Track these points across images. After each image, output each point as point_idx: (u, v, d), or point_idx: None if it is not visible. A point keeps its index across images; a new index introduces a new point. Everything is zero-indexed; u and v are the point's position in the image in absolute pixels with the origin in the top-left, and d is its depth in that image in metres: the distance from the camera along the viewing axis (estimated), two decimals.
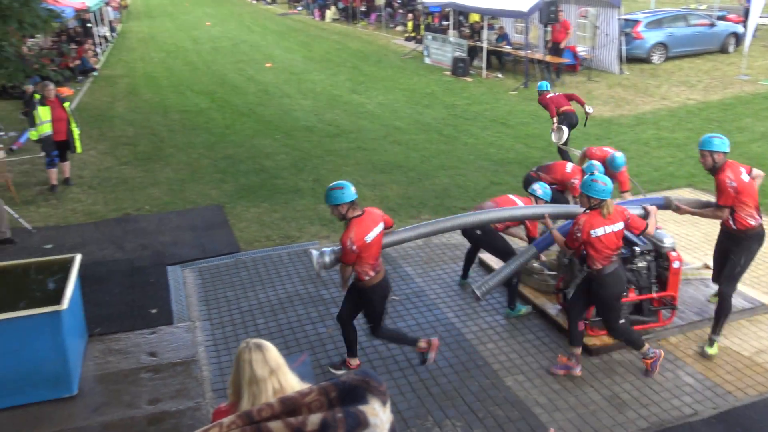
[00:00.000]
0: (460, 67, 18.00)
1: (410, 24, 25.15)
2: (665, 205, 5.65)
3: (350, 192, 4.78)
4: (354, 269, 4.94)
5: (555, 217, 5.80)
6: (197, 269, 7.28)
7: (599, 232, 4.83)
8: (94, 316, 6.00)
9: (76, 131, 9.56)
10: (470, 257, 6.76)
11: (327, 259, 4.99)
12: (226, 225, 8.38)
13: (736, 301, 6.04)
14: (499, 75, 18.04)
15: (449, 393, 5.12)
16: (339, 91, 16.61)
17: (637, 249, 5.67)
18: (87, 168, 10.64)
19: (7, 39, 6.31)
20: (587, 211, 4.91)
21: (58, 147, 9.45)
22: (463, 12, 21.39)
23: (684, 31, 18.26)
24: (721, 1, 24.33)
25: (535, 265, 6.57)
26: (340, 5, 32.22)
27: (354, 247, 4.72)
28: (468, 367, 5.43)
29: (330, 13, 32.28)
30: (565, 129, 9.76)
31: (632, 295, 5.71)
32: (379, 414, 1.96)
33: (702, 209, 5.51)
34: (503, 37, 18.90)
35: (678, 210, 5.57)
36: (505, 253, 6.09)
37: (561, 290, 6.03)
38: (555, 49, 16.80)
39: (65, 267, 5.45)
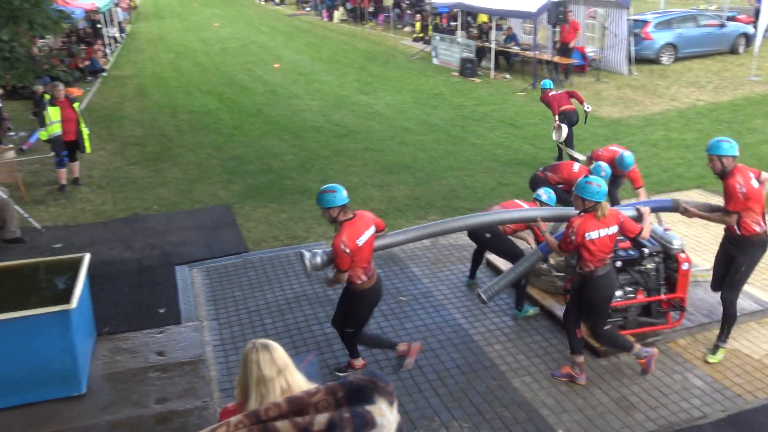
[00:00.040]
0: (468, 68, 17.97)
1: (418, 25, 25.14)
2: (673, 207, 5.59)
3: (342, 195, 4.77)
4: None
5: (549, 219, 5.72)
6: (205, 269, 7.30)
7: (593, 235, 4.78)
8: (102, 315, 6.02)
9: (85, 131, 9.61)
10: (477, 258, 6.75)
11: (319, 260, 4.97)
12: (234, 225, 8.40)
13: (746, 304, 6.02)
14: (507, 76, 18.01)
15: (456, 394, 5.11)
16: (347, 92, 16.62)
17: (646, 250, 5.64)
18: (96, 168, 10.69)
19: (18, 40, 6.35)
20: (581, 214, 4.85)
21: (68, 147, 9.50)
22: (471, 13, 21.37)
23: (694, 32, 18.16)
24: (731, 1, 24.18)
25: (543, 266, 6.55)
26: (348, 6, 32.25)
27: (347, 250, 4.70)
28: (475, 368, 5.42)
29: (338, 14, 32.32)
30: (565, 127, 9.88)
31: (641, 297, 5.69)
32: (386, 414, 1.96)
33: (710, 213, 5.42)
34: (511, 37, 18.86)
35: (686, 213, 5.50)
36: (513, 256, 6.08)
37: (569, 291, 6.00)
38: (563, 49, 16.75)
39: (74, 266, 5.48)
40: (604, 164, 7.05)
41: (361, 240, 4.80)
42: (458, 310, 6.34)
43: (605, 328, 5.10)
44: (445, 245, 7.69)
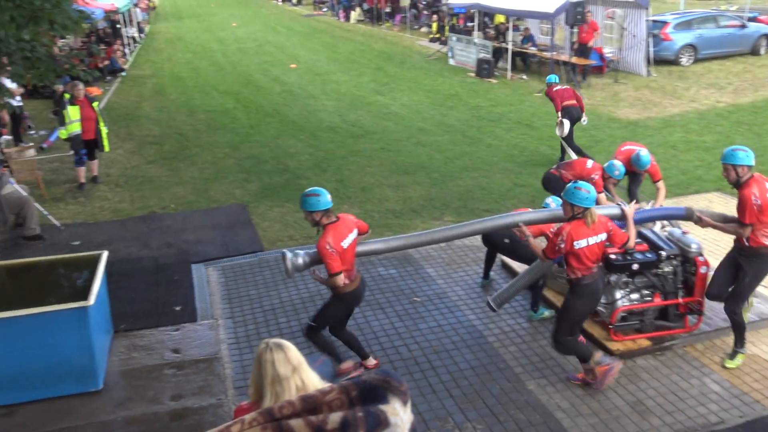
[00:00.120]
0: (484, 69, 17.91)
1: (435, 25, 25.11)
2: (686, 216, 5.48)
3: (326, 200, 4.77)
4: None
5: (536, 222, 5.61)
6: (221, 268, 7.35)
7: (582, 243, 4.69)
8: (119, 312, 6.08)
9: (104, 130, 9.72)
10: (490, 258, 6.72)
11: (300, 261, 4.97)
12: (250, 224, 8.44)
13: (765, 308, 5.94)
14: (524, 77, 17.92)
15: (470, 395, 5.09)
16: (363, 92, 16.64)
17: (663, 253, 5.58)
18: (114, 166, 10.81)
19: (39, 39, 6.42)
20: (571, 221, 4.75)
21: (87, 146, 9.61)
22: (488, 13, 21.31)
23: (714, 33, 17.95)
24: (753, 2, 23.87)
25: (559, 268, 6.51)
26: (365, 6, 32.30)
27: (334, 251, 4.69)
28: (489, 370, 5.39)
29: (355, 14, 32.37)
30: (567, 122, 10.00)
31: (658, 300, 5.64)
32: (399, 414, 1.96)
33: (724, 224, 5.29)
34: (528, 38, 18.77)
35: (700, 222, 5.37)
36: (532, 261, 6.04)
37: None
38: (581, 50, 16.63)
39: (92, 263, 5.54)
40: (617, 162, 7.00)
41: (346, 242, 4.80)
42: (472, 311, 6.32)
43: (567, 337, 4.99)
44: (460, 246, 7.67)
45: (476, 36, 20.16)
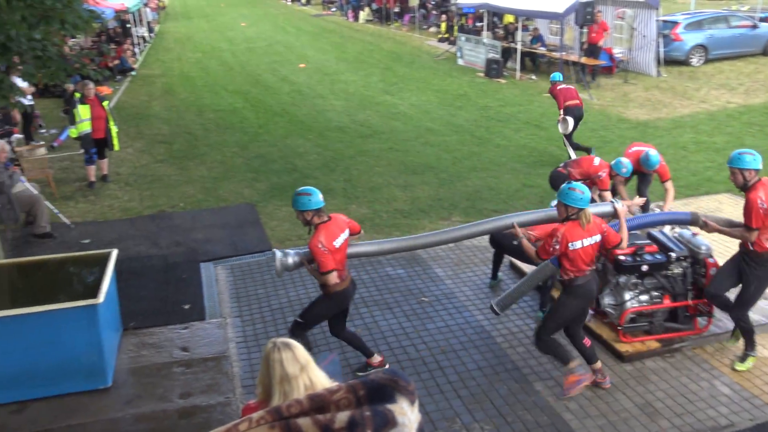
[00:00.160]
0: (493, 69, 17.88)
1: (444, 25, 25.07)
2: (692, 221, 5.43)
3: (317, 199, 4.77)
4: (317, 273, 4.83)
5: (531, 224, 5.54)
6: (229, 266, 7.37)
7: (577, 245, 4.66)
8: (128, 310, 6.11)
9: (114, 129, 9.77)
10: (498, 259, 6.71)
11: (290, 260, 4.97)
12: (258, 223, 8.46)
13: None
14: (533, 77, 17.87)
15: (478, 396, 5.09)
16: (371, 92, 16.65)
17: (673, 255, 5.55)
18: (124, 165, 10.86)
19: (50, 39, 6.46)
20: (565, 222, 4.72)
21: (97, 144, 9.66)
22: (497, 13, 21.25)
23: (725, 33, 17.83)
24: (765, 2, 23.69)
25: None
26: (374, 6, 32.30)
27: (326, 250, 4.68)
28: (497, 371, 5.38)
29: (363, 14, 32.39)
30: (570, 120, 10.16)
31: (667, 302, 5.61)
32: (407, 413, 1.95)
33: (730, 228, 5.24)
34: (538, 38, 18.71)
35: (706, 227, 5.33)
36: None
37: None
38: (591, 50, 16.56)
39: (102, 262, 5.57)
40: (625, 160, 6.99)
41: (338, 242, 4.80)
42: (481, 311, 6.30)
43: (551, 336, 4.97)
44: (468, 247, 7.65)
45: (485, 36, 20.12)
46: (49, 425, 4.74)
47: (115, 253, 5.69)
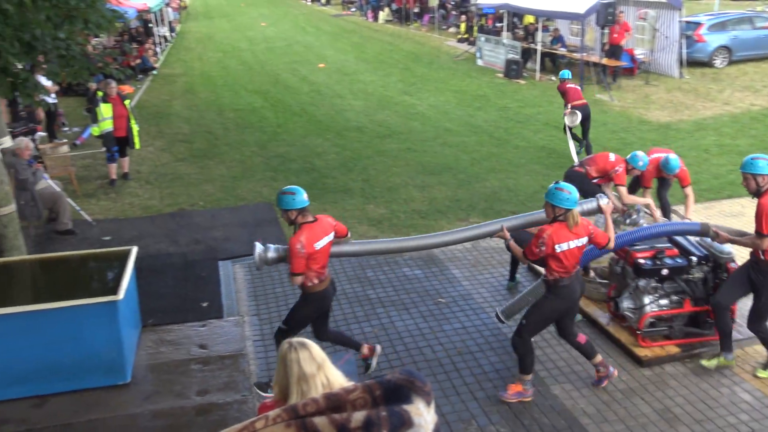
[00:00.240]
0: (513, 70, 17.79)
1: (463, 25, 25.00)
2: (702, 231, 5.33)
3: (301, 198, 4.72)
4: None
5: (518, 227, 5.49)
6: (247, 265, 7.41)
7: (564, 246, 4.60)
8: (147, 307, 6.17)
9: (135, 128, 9.87)
10: (516, 260, 6.67)
11: (269, 254, 4.96)
12: (276, 222, 8.50)
13: None
14: (553, 78, 17.71)
15: (494, 398, 5.06)
16: (390, 92, 16.65)
17: (694, 259, 5.48)
18: (145, 164, 10.97)
19: (74, 38, 6.54)
20: (552, 223, 4.67)
21: (118, 143, 9.77)
22: (517, 13, 21.14)
23: (749, 34, 17.56)
24: None
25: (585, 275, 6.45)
26: (394, 7, 32.32)
27: (303, 251, 4.63)
28: (514, 373, 5.33)
29: (383, 14, 32.41)
30: (579, 113, 10.48)
31: (687, 306, 5.54)
32: (423, 414, 1.95)
33: (741, 237, 5.14)
34: (558, 39, 18.59)
35: (717, 237, 5.24)
36: None
37: (612, 298, 5.89)
38: (612, 51, 16.41)
39: (122, 259, 5.62)
40: (641, 153, 6.97)
41: (319, 244, 4.74)
42: None
43: (531, 337, 4.93)
44: (485, 248, 7.62)
45: (505, 36, 20.03)
46: (69, 419, 4.80)
47: (135, 250, 5.75)
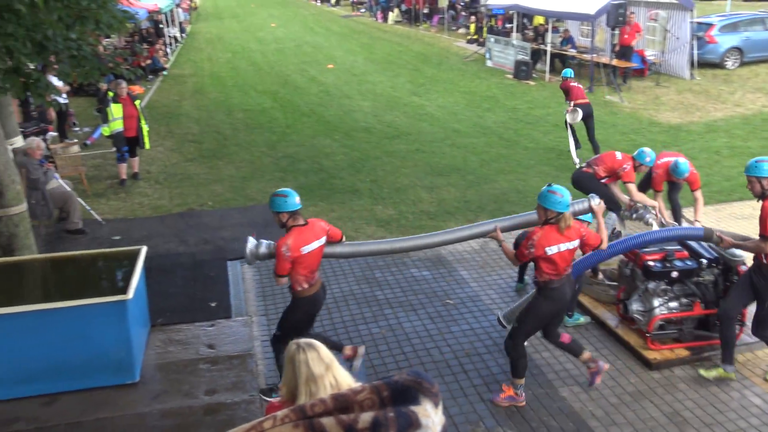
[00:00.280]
0: (522, 71, 17.74)
1: (473, 26, 24.97)
2: (705, 236, 5.28)
3: (293, 202, 4.72)
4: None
5: (513, 227, 5.47)
6: (255, 265, 7.41)
7: (553, 249, 4.56)
8: (156, 306, 6.19)
9: (145, 128, 9.92)
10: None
11: (261, 250, 4.99)
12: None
13: None
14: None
15: None
16: (399, 93, 16.65)
17: (704, 261, 5.44)
18: (154, 164, 11.03)
19: (85, 39, 6.58)
20: (544, 225, 4.63)
21: (128, 143, 9.83)
22: (527, 14, 21.09)
23: (761, 36, 17.42)
24: None
25: (594, 277, 6.43)
26: (403, 8, 32.32)
27: (288, 254, 4.61)
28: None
29: (392, 15, 32.42)
30: (580, 110, 10.64)
31: (698, 309, 5.50)
32: (431, 415, 1.95)
33: (744, 242, 5.09)
34: (568, 40, 18.52)
35: (721, 242, 5.19)
36: None
37: (622, 301, 5.86)
38: (623, 52, 16.34)
39: (131, 258, 5.65)
40: (647, 149, 7.01)
41: (307, 249, 4.69)
42: None
43: (524, 342, 4.90)
44: (494, 249, 7.60)
45: (514, 37, 19.98)
46: (78, 418, 4.83)
47: (144, 250, 5.77)
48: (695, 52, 16.67)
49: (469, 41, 24.38)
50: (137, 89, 15.54)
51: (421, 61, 21.34)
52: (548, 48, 17.94)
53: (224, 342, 5.82)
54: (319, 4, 44.18)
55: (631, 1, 16.64)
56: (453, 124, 13.50)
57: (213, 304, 6.48)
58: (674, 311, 5.50)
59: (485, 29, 23.47)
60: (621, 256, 5.99)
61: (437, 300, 6.57)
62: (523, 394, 4.98)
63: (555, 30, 19.02)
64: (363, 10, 37.46)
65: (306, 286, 4.81)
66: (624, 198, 7.03)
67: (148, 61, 19.14)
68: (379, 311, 6.39)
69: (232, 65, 21.48)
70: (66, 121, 12.50)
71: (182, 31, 28.69)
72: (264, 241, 5.05)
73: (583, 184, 7.31)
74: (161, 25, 23.83)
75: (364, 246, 5.63)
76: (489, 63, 20.01)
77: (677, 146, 11.29)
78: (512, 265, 7.10)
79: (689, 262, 5.47)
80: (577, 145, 11.03)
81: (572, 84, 10.94)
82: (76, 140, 11.33)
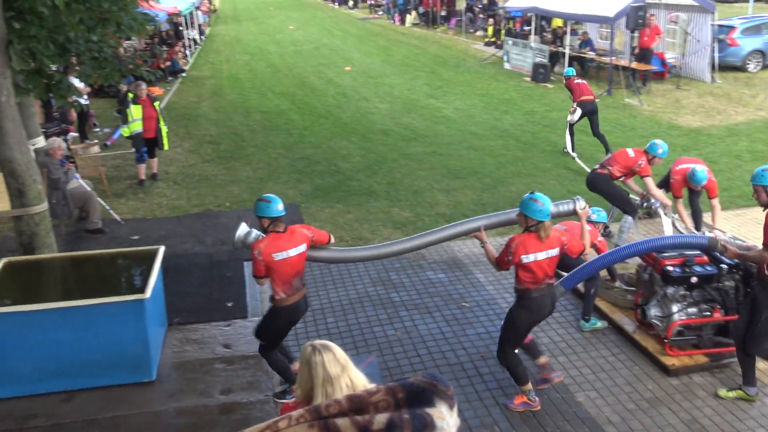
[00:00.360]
0: (540, 73, 17.65)
1: (490, 29, 24.90)
2: (710, 246, 5.19)
3: (275, 208, 4.71)
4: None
5: (496, 226, 5.48)
6: None
7: (530, 258, 4.52)
8: (173, 306, 6.25)
9: (164, 129, 10.01)
10: None
11: (249, 239, 5.06)
12: (301, 224, 8.54)
13: None
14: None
15: None
16: (416, 96, 16.65)
17: (725, 267, 5.37)
18: (173, 165, 11.12)
19: (106, 41, 6.68)
20: (523, 233, 4.61)
21: (147, 144, 9.92)
22: (545, 17, 20.98)
23: None
24: None
25: (611, 281, 6.38)
26: (421, 10, 32.31)
27: (260, 258, 4.61)
28: (537, 380, 5.29)
29: (410, 17, 32.42)
30: (578, 109, 10.77)
31: (717, 315, 5.43)
32: (446, 417, 1.94)
33: (748, 252, 4.98)
34: (587, 42, 18.39)
35: (725, 252, 5.09)
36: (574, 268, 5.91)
37: (639, 306, 5.80)
38: (642, 55, 16.19)
39: (149, 258, 5.71)
40: (659, 141, 7.05)
41: (279, 256, 4.64)
42: None
43: (514, 350, 4.87)
44: None
45: (533, 40, 19.89)
46: (95, 415, 4.88)
47: (162, 249, 5.83)
48: (716, 54, 16.48)
49: (487, 44, 24.32)
50: (157, 91, 15.69)
51: (438, 63, 21.32)
52: (567, 50, 17.83)
53: (240, 342, 5.85)
54: (336, 6, 44.32)
55: (650, 4, 16.48)
56: (470, 127, 13.46)
57: (229, 304, 6.52)
58: (693, 317, 5.44)
59: (503, 32, 23.38)
60: (639, 261, 5.93)
61: (453, 303, 6.55)
62: (537, 399, 4.94)
63: (574, 32, 18.90)
64: (381, 13, 37.50)
65: (283, 295, 4.77)
66: (637, 188, 7.04)
67: (168, 63, 19.32)
68: (394, 313, 6.39)
69: (250, 67, 21.62)
70: (87, 122, 12.65)
71: (201, 33, 28.93)
72: (254, 231, 5.10)
73: (598, 185, 7.28)
74: (181, 28, 24.04)
75: (349, 252, 5.66)
76: (507, 65, 19.94)
77: (697, 150, 11.17)
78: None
79: (709, 268, 5.40)
80: (573, 148, 11.13)
81: (575, 82, 11.01)
82: (96, 141, 11.46)
